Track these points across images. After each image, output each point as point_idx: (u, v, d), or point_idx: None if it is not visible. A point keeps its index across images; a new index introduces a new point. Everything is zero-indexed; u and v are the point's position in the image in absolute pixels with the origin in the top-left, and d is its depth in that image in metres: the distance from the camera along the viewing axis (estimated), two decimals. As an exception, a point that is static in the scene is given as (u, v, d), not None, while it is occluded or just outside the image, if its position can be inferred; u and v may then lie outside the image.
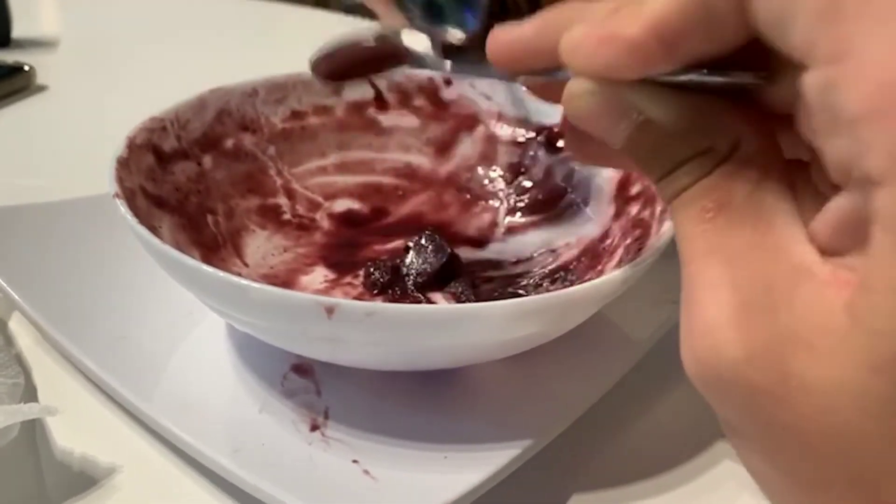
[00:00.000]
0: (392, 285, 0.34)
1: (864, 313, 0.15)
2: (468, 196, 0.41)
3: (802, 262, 0.17)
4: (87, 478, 0.27)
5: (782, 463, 0.17)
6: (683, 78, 0.19)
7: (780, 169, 0.18)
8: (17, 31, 0.65)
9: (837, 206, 0.17)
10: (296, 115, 0.40)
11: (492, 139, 0.42)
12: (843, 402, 0.16)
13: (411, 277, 0.34)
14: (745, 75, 0.19)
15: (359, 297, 0.34)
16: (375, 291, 0.34)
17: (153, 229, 0.28)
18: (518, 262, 0.37)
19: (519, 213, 0.40)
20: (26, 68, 0.57)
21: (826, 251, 0.17)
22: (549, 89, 0.25)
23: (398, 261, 0.35)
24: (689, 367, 0.18)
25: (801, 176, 0.18)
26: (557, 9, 0.22)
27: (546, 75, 0.22)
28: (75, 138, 0.51)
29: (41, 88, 0.57)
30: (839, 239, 0.17)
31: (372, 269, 0.34)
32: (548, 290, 0.34)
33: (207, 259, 0.33)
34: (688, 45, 0.18)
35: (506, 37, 0.23)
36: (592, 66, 0.19)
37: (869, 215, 0.15)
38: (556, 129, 0.40)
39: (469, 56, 0.27)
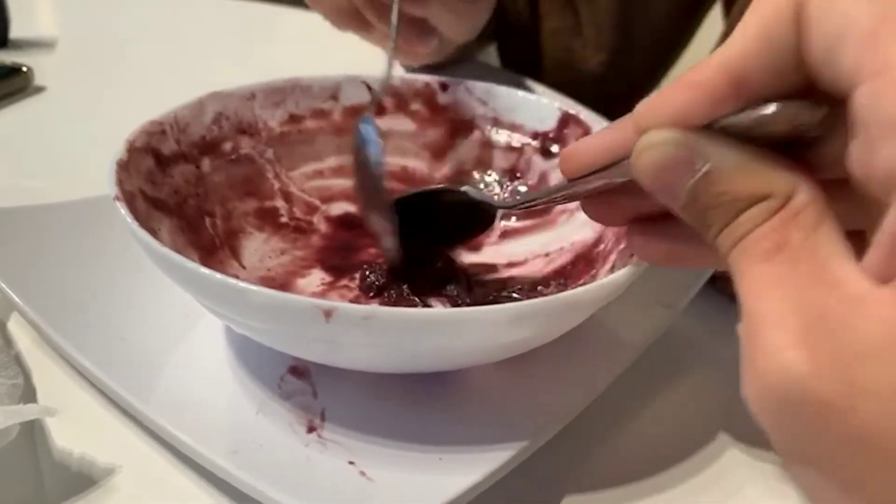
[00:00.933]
0: (388, 288, 0.34)
1: None
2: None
3: (858, 292, 0.18)
4: (85, 478, 0.28)
5: (858, 482, 0.18)
6: (750, 115, 0.20)
7: (832, 216, 0.19)
8: (16, 31, 0.65)
9: (889, 227, 0.17)
10: (294, 118, 0.41)
11: (487, 144, 0.42)
12: None
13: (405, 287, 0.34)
14: (803, 104, 0.20)
15: (355, 300, 0.34)
16: (371, 294, 0.34)
17: (152, 232, 0.28)
18: (512, 265, 0.38)
19: (514, 218, 0.40)
20: (24, 69, 0.57)
21: (886, 278, 0.18)
22: (605, 206, 0.28)
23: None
24: (755, 396, 0.19)
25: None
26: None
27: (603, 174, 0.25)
28: (73, 139, 0.51)
29: (39, 89, 0.57)
30: (892, 262, 0.17)
31: (368, 272, 0.35)
32: (542, 295, 0.34)
33: (205, 261, 0.33)
34: (754, 80, 0.20)
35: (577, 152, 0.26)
36: (665, 112, 0.21)
37: None
38: (550, 135, 0.41)
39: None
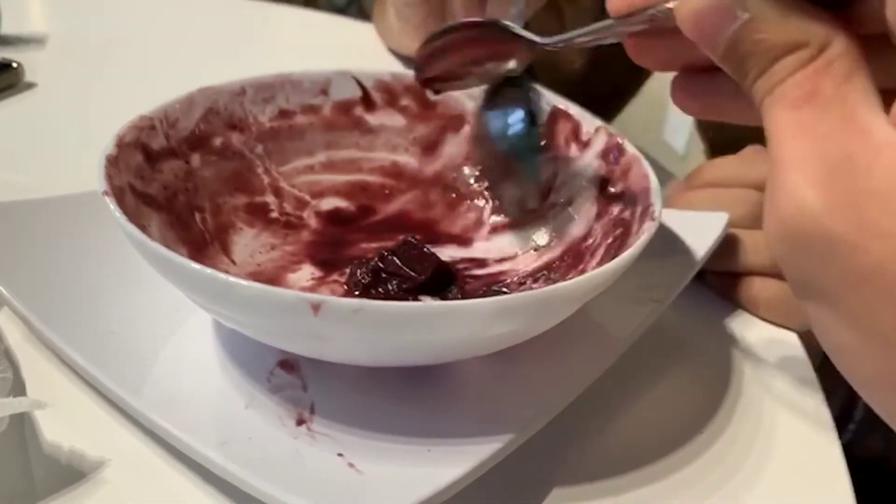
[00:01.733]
0: (374, 286, 0.34)
1: None
2: (454, 195, 0.42)
3: (883, 139, 0.19)
4: (75, 471, 0.28)
5: (862, 315, 0.19)
6: None
7: (865, 69, 0.20)
8: (6, 27, 0.64)
9: None
10: (283, 113, 0.41)
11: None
12: None
13: (394, 284, 0.34)
14: None
15: (345, 295, 0.34)
16: (357, 292, 0.34)
17: (142, 227, 0.28)
18: (502, 260, 0.38)
19: (503, 214, 0.40)
20: (14, 65, 0.56)
21: None
22: (649, 49, 0.28)
23: (378, 263, 0.35)
24: (773, 230, 0.20)
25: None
26: None
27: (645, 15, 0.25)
28: (64, 135, 0.51)
29: (29, 85, 0.57)
30: None
31: (356, 270, 0.35)
32: (531, 288, 0.34)
33: (195, 256, 0.33)
34: None
35: None
36: None
37: None
38: (540, 130, 0.41)
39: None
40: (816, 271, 0.20)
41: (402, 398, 0.30)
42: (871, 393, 0.20)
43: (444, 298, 0.34)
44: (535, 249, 0.38)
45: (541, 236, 0.38)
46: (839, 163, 0.19)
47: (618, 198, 0.35)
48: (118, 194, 0.30)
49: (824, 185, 0.19)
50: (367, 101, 0.42)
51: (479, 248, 0.39)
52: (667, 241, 0.37)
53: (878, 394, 0.20)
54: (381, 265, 0.34)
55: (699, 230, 0.38)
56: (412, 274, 0.34)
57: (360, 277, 0.34)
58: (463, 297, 0.34)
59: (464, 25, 0.35)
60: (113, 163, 0.31)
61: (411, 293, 0.34)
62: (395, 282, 0.34)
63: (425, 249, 0.35)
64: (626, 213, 0.33)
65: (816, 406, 0.34)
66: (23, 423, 0.29)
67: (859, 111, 0.19)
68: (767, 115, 0.21)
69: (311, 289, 0.35)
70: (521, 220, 0.40)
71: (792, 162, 0.20)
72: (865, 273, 0.18)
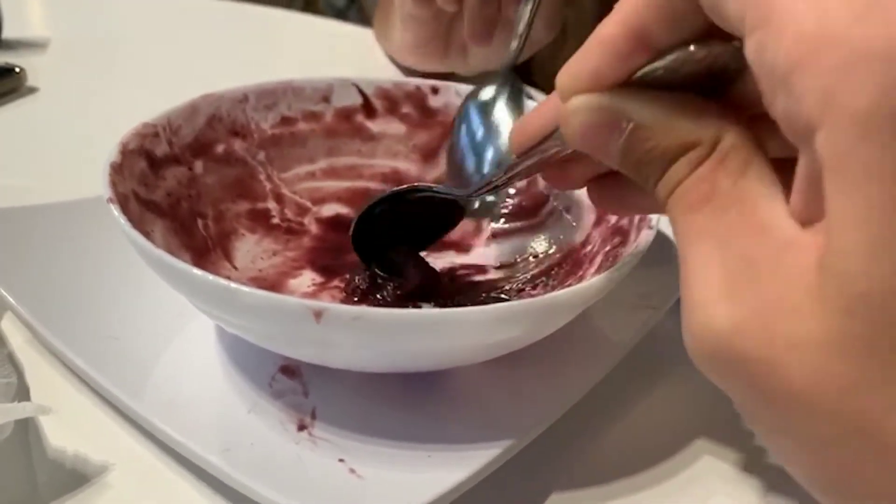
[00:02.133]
0: (373, 293, 0.34)
1: (830, 259, 0.16)
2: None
3: (785, 237, 0.17)
4: (79, 476, 0.28)
5: (794, 432, 0.17)
6: (664, 61, 0.20)
7: (761, 156, 0.19)
8: (8, 32, 0.65)
9: (800, 172, 0.17)
10: (286, 120, 0.41)
11: (477, 146, 0.43)
12: (828, 352, 0.16)
13: (388, 291, 0.34)
14: (712, 42, 0.20)
15: (345, 301, 0.35)
16: (356, 298, 0.34)
17: (145, 233, 0.28)
18: (501, 267, 0.38)
19: (503, 220, 0.41)
20: (17, 70, 0.57)
21: (807, 222, 0.17)
22: (560, 173, 0.28)
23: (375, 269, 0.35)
24: (688, 346, 0.19)
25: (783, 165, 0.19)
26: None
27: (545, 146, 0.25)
28: (66, 140, 0.51)
29: (32, 90, 0.57)
30: (812, 205, 0.17)
31: (355, 277, 0.35)
32: (530, 295, 0.35)
33: (197, 263, 0.34)
34: (654, 30, 0.20)
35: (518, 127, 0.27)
36: (583, 75, 0.21)
37: (819, 165, 0.16)
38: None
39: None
40: (738, 390, 0.18)
41: (402, 404, 0.30)
42: (822, 497, 0.18)
43: (443, 305, 0.34)
44: (534, 256, 0.38)
45: (540, 243, 0.39)
46: (742, 269, 0.17)
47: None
48: (122, 201, 0.30)
49: (729, 298, 0.17)
50: (369, 109, 0.42)
51: (479, 255, 0.39)
52: (664, 248, 0.38)
53: (825, 497, 0.18)
54: (377, 271, 0.35)
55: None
56: (401, 280, 0.34)
57: (358, 283, 0.35)
58: (458, 299, 0.34)
59: (388, 198, 0.35)
60: (117, 170, 0.31)
61: (408, 298, 0.34)
62: (390, 287, 0.34)
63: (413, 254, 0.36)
64: (624, 222, 0.33)
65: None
66: (27, 428, 0.29)
67: (760, 207, 0.18)
68: (671, 219, 0.20)
69: (312, 295, 0.35)
70: (520, 228, 0.40)
71: (695, 272, 0.18)
72: (788, 393, 0.16)
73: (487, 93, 0.41)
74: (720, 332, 0.17)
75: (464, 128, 0.40)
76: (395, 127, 0.43)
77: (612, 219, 0.35)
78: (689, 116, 0.20)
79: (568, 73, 0.22)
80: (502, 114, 0.40)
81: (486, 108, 0.40)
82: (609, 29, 0.20)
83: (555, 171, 0.28)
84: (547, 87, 0.61)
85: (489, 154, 0.39)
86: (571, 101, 0.22)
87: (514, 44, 0.42)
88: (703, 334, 0.18)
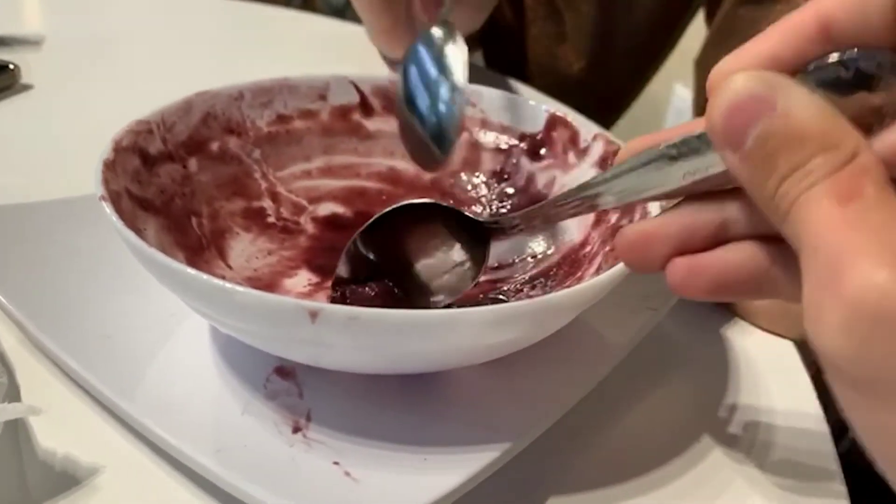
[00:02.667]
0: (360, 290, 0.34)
1: None
2: (451, 201, 0.42)
3: None
4: (69, 477, 0.27)
5: None
6: (835, 58, 0.22)
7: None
8: (2, 29, 0.64)
9: None
10: (281, 118, 0.41)
11: (475, 146, 0.42)
12: None
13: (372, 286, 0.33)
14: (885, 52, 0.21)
15: (331, 300, 0.34)
16: (347, 300, 0.34)
17: (138, 231, 0.28)
18: (499, 267, 0.38)
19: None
20: (11, 67, 0.56)
21: None
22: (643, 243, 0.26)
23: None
24: (836, 322, 0.19)
25: None
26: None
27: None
28: (60, 137, 0.51)
29: (26, 87, 0.56)
30: None
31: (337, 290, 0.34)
32: (528, 296, 0.34)
33: (191, 261, 0.33)
34: (840, 26, 0.22)
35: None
36: (750, 58, 0.23)
37: None
38: (538, 137, 0.41)
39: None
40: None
41: (398, 406, 0.30)
42: None
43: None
44: (533, 257, 0.38)
45: (538, 244, 0.38)
46: None
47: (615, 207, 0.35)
48: (115, 199, 0.30)
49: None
50: (365, 107, 0.42)
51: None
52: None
53: None
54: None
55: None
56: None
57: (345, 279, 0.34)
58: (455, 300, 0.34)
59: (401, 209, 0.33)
60: (110, 167, 0.31)
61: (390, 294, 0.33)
62: (372, 283, 0.34)
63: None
64: (624, 222, 0.33)
65: (813, 415, 0.34)
66: (17, 429, 0.29)
67: None
68: (804, 212, 0.20)
69: (308, 294, 0.35)
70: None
71: (857, 249, 0.19)
72: None
73: (436, 34, 0.40)
74: (892, 294, 0.18)
75: (413, 69, 0.39)
76: (392, 125, 0.42)
77: (612, 219, 0.34)
78: (840, 120, 0.20)
79: (735, 58, 0.23)
80: (452, 52, 0.39)
81: (435, 49, 0.39)
82: (801, 15, 0.22)
83: (635, 241, 0.26)
84: (545, 89, 0.61)
85: (443, 90, 0.38)
86: (735, 75, 0.21)
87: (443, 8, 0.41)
88: (870, 297, 0.18)
